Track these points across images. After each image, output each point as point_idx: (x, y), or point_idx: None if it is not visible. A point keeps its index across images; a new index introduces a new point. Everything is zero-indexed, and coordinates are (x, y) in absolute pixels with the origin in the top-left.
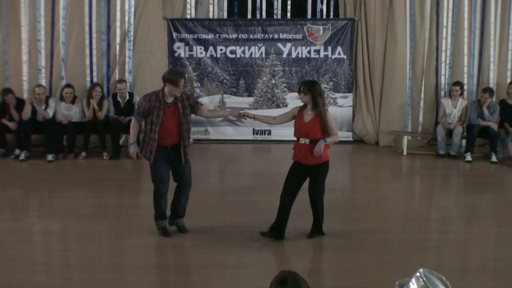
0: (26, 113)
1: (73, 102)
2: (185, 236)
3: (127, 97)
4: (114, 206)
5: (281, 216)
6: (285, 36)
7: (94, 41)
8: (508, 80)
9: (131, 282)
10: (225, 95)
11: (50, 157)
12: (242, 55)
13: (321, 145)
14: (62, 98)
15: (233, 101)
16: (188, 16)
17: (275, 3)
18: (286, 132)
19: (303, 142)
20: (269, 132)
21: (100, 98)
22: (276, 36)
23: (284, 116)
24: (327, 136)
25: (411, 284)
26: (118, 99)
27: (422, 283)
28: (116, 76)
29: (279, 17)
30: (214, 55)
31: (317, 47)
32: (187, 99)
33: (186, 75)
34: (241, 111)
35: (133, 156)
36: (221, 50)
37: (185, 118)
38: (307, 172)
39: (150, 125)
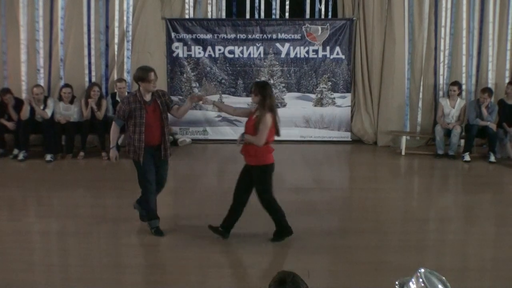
0: (25, 113)
1: (71, 102)
2: (183, 236)
3: None
4: (113, 206)
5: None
6: (283, 36)
7: (92, 41)
8: (507, 80)
9: (129, 282)
10: (223, 95)
11: (48, 157)
12: (241, 55)
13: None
14: (60, 98)
15: (231, 101)
16: (187, 16)
17: (273, 3)
18: (285, 132)
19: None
20: None
21: (99, 98)
22: (274, 36)
23: (243, 111)
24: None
25: (411, 283)
26: (117, 98)
27: (422, 283)
28: (115, 76)
29: (278, 17)
30: (213, 55)
31: (315, 47)
32: (162, 95)
33: (185, 75)
34: (199, 94)
35: (113, 160)
36: (219, 50)
37: (165, 113)
38: (250, 172)
39: (134, 127)
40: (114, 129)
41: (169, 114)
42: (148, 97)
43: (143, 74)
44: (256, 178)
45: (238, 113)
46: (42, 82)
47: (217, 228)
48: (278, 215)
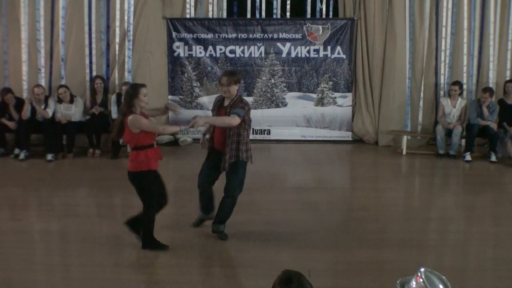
0: (26, 112)
1: (71, 101)
2: (184, 236)
3: None
4: (114, 206)
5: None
6: (284, 35)
7: (93, 40)
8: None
9: (130, 281)
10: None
11: (49, 156)
12: (242, 55)
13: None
14: (59, 100)
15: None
16: (188, 16)
17: (274, 2)
18: (286, 131)
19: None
20: (269, 132)
21: (104, 90)
22: (275, 36)
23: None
24: None
25: (412, 282)
26: (122, 100)
27: (422, 282)
28: (116, 75)
29: (279, 16)
30: (214, 55)
31: (316, 47)
32: (239, 101)
33: (186, 74)
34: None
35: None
36: (220, 49)
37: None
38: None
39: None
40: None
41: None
42: (226, 102)
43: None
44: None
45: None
46: (43, 82)
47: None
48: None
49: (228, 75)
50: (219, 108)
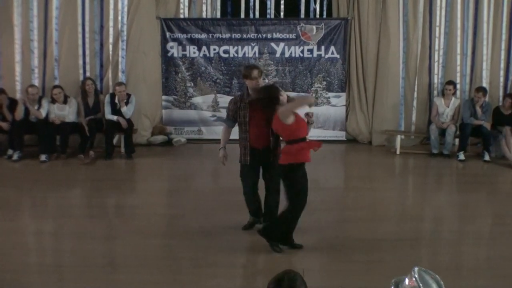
0: (19, 113)
1: (65, 102)
2: (178, 236)
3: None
4: (108, 206)
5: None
6: (278, 35)
7: (87, 41)
8: (501, 79)
9: (123, 282)
10: (218, 95)
11: (43, 157)
12: (236, 55)
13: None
14: (53, 100)
15: (226, 100)
16: (181, 16)
17: (268, 2)
18: None
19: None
20: None
21: (95, 92)
22: (269, 36)
23: None
24: None
25: (406, 282)
26: (116, 101)
27: (415, 282)
28: (109, 75)
29: (273, 16)
30: (208, 55)
31: (310, 47)
32: None
33: (180, 74)
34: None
35: (221, 160)
36: (214, 49)
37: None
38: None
39: (240, 127)
40: (223, 130)
41: None
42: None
43: (246, 72)
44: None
45: None
46: (36, 82)
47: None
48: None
49: (257, 67)
50: (250, 106)
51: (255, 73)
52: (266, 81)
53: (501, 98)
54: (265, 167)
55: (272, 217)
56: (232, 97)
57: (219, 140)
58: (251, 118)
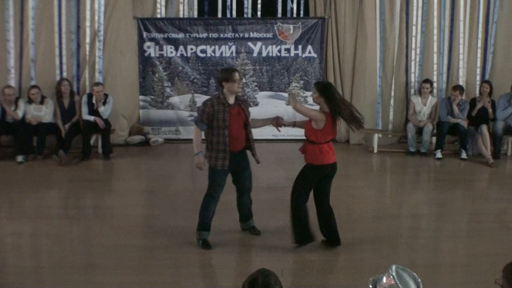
0: None
1: (42, 102)
2: (157, 237)
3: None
4: (85, 207)
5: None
6: (255, 35)
7: (63, 41)
8: (478, 78)
9: (103, 283)
10: (195, 95)
11: (20, 158)
12: (213, 54)
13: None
14: (30, 100)
15: (204, 100)
16: (158, 16)
17: (245, 2)
18: (258, 131)
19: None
20: None
21: (71, 93)
22: (246, 35)
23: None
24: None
25: (383, 280)
26: (94, 101)
27: (392, 280)
28: (86, 76)
29: (250, 16)
30: (185, 55)
31: (287, 46)
32: (244, 101)
33: (157, 74)
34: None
35: (200, 167)
36: (191, 49)
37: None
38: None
39: (217, 130)
40: (197, 133)
41: None
42: (231, 99)
43: (227, 75)
44: (300, 172)
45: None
46: (13, 83)
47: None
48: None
49: (238, 70)
50: (229, 109)
51: (236, 75)
52: (244, 80)
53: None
54: (239, 170)
55: (249, 215)
56: (206, 99)
57: None
58: (233, 121)
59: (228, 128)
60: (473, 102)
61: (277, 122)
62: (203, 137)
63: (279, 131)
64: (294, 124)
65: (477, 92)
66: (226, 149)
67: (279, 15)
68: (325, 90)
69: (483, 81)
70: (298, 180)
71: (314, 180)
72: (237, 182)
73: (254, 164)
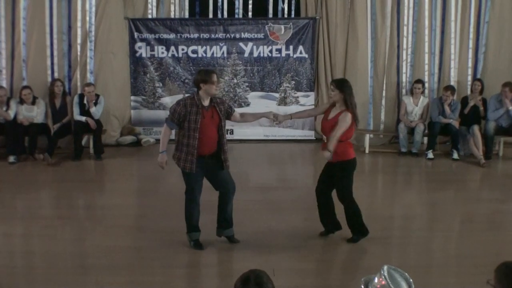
0: None
1: (33, 103)
2: (148, 237)
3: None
4: (77, 207)
5: (320, 215)
6: (246, 35)
7: (55, 41)
8: (469, 78)
9: (94, 283)
10: (187, 95)
11: (11, 158)
12: (204, 55)
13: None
14: (21, 101)
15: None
16: (150, 16)
17: (236, 2)
18: (249, 131)
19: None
20: (232, 132)
21: (62, 93)
22: (237, 36)
23: (317, 109)
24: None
25: (375, 280)
26: (85, 102)
27: (384, 280)
28: (78, 76)
29: (241, 16)
30: (176, 55)
31: (278, 46)
32: (222, 103)
33: (148, 75)
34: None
35: (162, 165)
36: (182, 49)
37: (224, 122)
38: (330, 170)
39: (188, 132)
40: (165, 132)
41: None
42: (206, 102)
43: (205, 76)
44: (337, 174)
45: (310, 113)
46: (4, 83)
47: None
48: (352, 212)
49: (216, 72)
50: (203, 111)
51: (215, 77)
52: (235, 81)
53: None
54: (214, 173)
55: (231, 222)
56: (180, 98)
57: None
58: (205, 124)
59: (198, 130)
60: (464, 101)
61: (275, 116)
62: (172, 137)
63: (277, 124)
64: (291, 117)
65: (469, 90)
66: (194, 152)
67: (270, 15)
68: (344, 88)
69: (475, 79)
70: (341, 181)
71: (353, 173)
72: (218, 186)
73: (244, 164)
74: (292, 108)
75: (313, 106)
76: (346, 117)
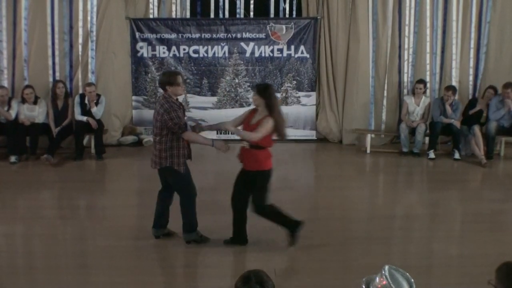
0: None
1: (35, 102)
2: (149, 237)
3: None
4: (78, 207)
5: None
6: (248, 35)
7: (56, 41)
8: (471, 78)
9: (95, 283)
10: (188, 95)
11: (13, 158)
12: (205, 55)
13: (240, 131)
14: (23, 100)
15: (196, 100)
16: (151, 16)
17: (238, 2)
18: None
19: (244, 145)
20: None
21: (65, 95)
22: (239, 36)
23: (240, 119)
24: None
25: (376, 280)
26: (86, 102)
27: (385, 280)
28: (79, 76)
29: (242, 16)
30: (177, 55)
31: (280, 46)
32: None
33: (149, 75)
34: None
35: (225, 149)
36: (184, 49)
37: None
38: (247, 178)
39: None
40: (190, 134)
41: None
42: None
43: (170, 78)
44: (254, 185)
45: (238, 123)
46: (5, 83)
47: (231, 239)
48: (278, 219)
49: (180, 73)
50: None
51: (180, 78)
52: (236, 81)
53: (470, 97)
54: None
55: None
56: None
57: None
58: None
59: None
60: (474, 102)
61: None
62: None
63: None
64: (211, 128)
65: (471, 92)
66: (185, 153)
67: (272, 15)
68: (264, 93)
69: (490, 86)
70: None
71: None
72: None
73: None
74: (293, 108)
75: (314, 106)
76: (268, 123)
